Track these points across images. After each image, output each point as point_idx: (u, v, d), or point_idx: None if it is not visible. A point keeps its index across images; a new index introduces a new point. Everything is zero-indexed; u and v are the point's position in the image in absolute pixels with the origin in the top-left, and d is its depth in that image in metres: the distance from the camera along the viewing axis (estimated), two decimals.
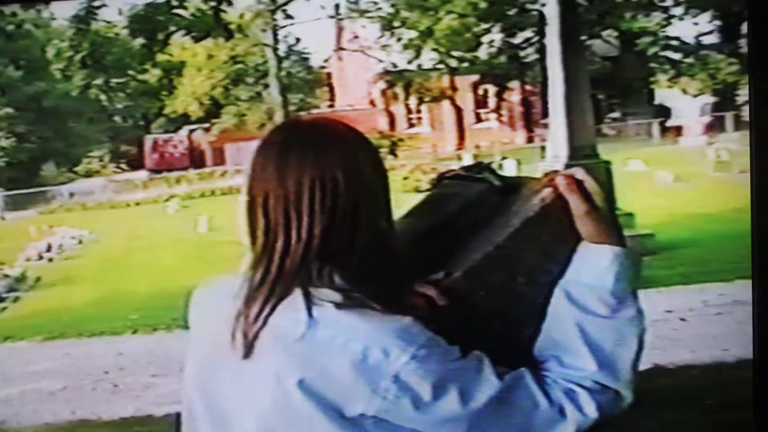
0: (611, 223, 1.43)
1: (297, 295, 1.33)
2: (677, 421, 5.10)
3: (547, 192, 1.41)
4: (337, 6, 34.72)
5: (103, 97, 38.02)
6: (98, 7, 28.99)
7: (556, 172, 1.46)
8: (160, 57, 35.45)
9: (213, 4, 28.04)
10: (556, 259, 1.40)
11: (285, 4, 33.59)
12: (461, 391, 1.29)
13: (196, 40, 34.62)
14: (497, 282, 1.40)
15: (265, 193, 1.37)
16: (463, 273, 1.40)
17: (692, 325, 7.90)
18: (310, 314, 1.30)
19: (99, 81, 36.85)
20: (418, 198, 1.62)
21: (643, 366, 4.73)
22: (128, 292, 12.61)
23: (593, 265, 1.39)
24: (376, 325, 1.28)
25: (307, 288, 1.33)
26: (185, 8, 30.96)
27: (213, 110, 35.99)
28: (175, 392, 5.56)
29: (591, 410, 1.37)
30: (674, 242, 12.37)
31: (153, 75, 36.89)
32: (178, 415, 1.62)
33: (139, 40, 33.56)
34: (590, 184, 1.42)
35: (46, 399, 7.00)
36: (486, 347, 1.35)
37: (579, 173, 1.43)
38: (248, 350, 1.33)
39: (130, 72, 37.01)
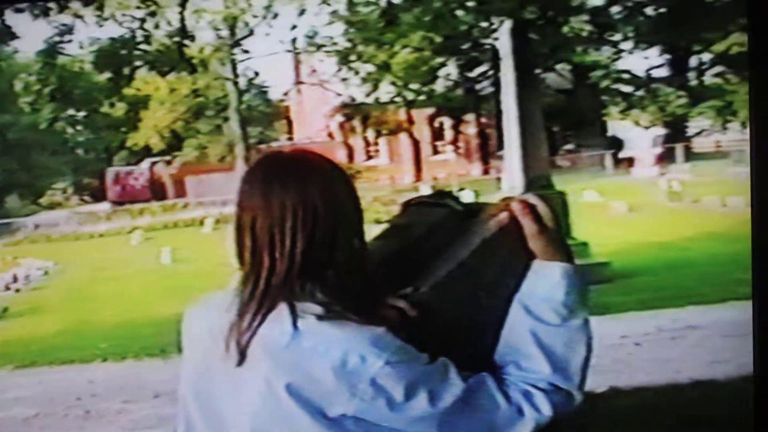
0: (561, 243, 1.61)
1: (283, 308, 1.47)
2: None
3: (503, 215, 1.58)
4: (293, 40, 35.13)
5: (70, 130, 38.05)
6: (65, 42, 29.15)
7: (511, 198, 1.63)
8: (127, 91, 35.65)
9: (176, 39, 28.26)
10: (513, 274, 1.57)
11: (243, 38, 33.90)
12: (430, 392, 1.44)
13: (162, 74, 34.86)
14: (460, 295, 1.56)
15: (252, 218, 1.52)
16: (430, 288, 1.56)
17: (647, 350, 8.12)
18: (295, 325, 1.45)
19: (66, 114, 36.98)
20: (387, 223, 1.78)
21: (600, 388, 4.94)
22: (95, 322, 12.68)
23: (546, 280, 1.55)
24: (353, 334, 1.44)
25: (292, 302, 1.48)
26: (150, 43, 31.21)
27: (174, 143, 36.07)
28: (147, 417, 5.65)
29: (546, 409, 1.53)
30: (629, 270, 12.65)
31: (119, 108, 36.97)
32: None
33: (106, 74, 33.84)
34: (542, 208, 1.59)
35: (20, 425, 7.06)
36: (451, 354, 1.50)
37: (531, 198, 1.61)
38: (241, 358, 1.48)
39: (97, 106, 37.18)
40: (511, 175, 12.25)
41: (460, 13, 21.62)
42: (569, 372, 1.56)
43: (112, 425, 6.85)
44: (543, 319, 1.55)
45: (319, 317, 1.46)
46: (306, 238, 1.49)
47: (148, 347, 9.76)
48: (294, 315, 1.47)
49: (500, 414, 1.50)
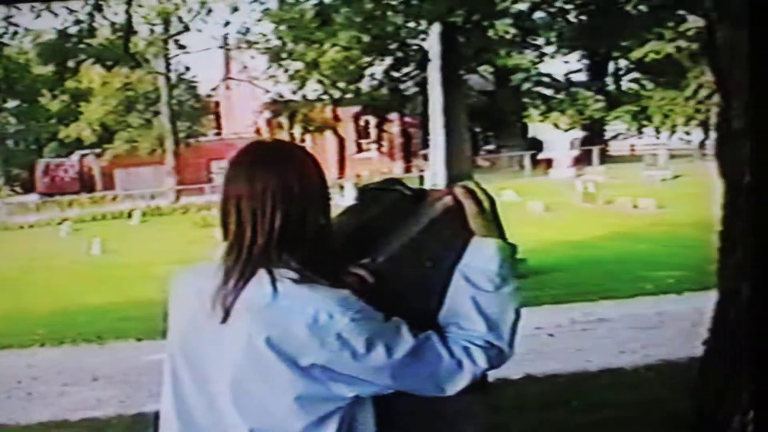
0: (496, 223, 1.92)
1: (262, 274, 1.76)
2: (547, 421, 5.66)
3: (448, 198, 1.89)
4: (225, 36, 35.10)
5: (12, 120, 37.38)
6: (13, 34, 28.63)
7: (457, 184, 1.94)
8: (69, 84, 35.30)
9: (120, 34, 27.99)
10: (455, 248, 1.88)
11: (177, 34, 33.70)
12: (386, 345, 1.74)
13: (107, 68, 34.51)
14: (411, 266, 1.87)
15: (237, 197, 1.79)
16: (385, 259, 1.86)
17: (560, 340, 8.59)
18: (274, 288, 1.73)
19: (10, 105, 36.41)
20: (349, 204, 2.08)
21: (515, 375, 5.32)
22: (31, 310, 12.75)
23: (483, 254, 1.87)
24: (323, 295, 1.73)
25: (270, 268, 1.76)
26: (94, 37, 30.82)
27: (106, 136, 35.79)
28: (87, 399, 5.84)
29: (482, 362, 1.84)
30: (544, 267, 13.17)
31: (60, 101, 36.57)
32: (156, 415, 1.97)
33: (50, 67, 33.41)
34: (479, 194, 1.91)
35: None
36: (403, 314, 1.81)
37: (471, 185, 1.91)
38: (225, 316, 1.75)
39: (38, 97, 36.71)
40: (434, 172, 12.63)
41: (390, 14, 22.00)
42: (502, 331, 1.87)
43: (53, 407, 6.99)
44: (480, 287, 1.85)
45: (295, 281, 1.73)
46: (282, 216, 1.77)
47: (84, 333, 9.94)
48: (273, 279, 1.74)
49: (443, 366, 1.80)
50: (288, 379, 1.72)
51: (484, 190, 1.93)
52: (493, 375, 5.79)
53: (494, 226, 1.90)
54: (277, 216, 1.77)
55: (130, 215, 27.50)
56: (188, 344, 1.85)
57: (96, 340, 9.51)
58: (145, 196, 31.08)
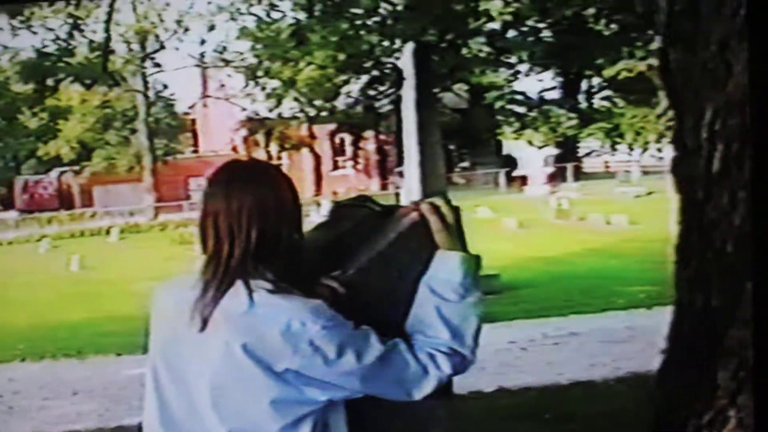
0: (459, 237, 2.03)
1: (239, 285, 1.86)
2: (518, 427, 5.78)
3: (415, 214, 2.00)
4: (202, 55, 35.18)
5: None
6: None
7: (420, 201, 2.05)
8: (49, 101, 35.31)
9: (98, 53, 28.04)
10: (421, 261, 2.00)
11: (154, 52, 33.76)
12: (356, 352, 1.85)
13: (86, 87, 34.54)
14: (379, 277, 1.99)
15: (215, 214, 1.90)
16: (355, 271, 1.98)
17: (532, 354, 8.73)
18: (250, 298, 1.84)
19: None
20: (322, 219, 2.19)
21: (488, 388, 5.43)
22: (11, 325, 12.77)
23: (447, 266, 1.98)
24: (297, 304, 1.84)
25: (247, 279, 1.86)
26: (73, 56, 30.90)
27: (84, 153, 35.79)
28: (67, 413, 5.89)
29: (447, 368, 1.95)
30: (517, 282, 13.34)
31: (38, 118, 36.56)
32: (139, 427, 2.07)
33: (30, 86, 33.50)
34: (444, 209, 2.02)
35: None
36: (371, 323, 1.92)
37: (436, 201, 2.03)
38: (203, 325, 1.86)
39: (17, 115, 36.67)
40: (409, 189, 12.73)
41: (365, 34, 22.26)
42: (465, 339, 1.98)
43: (34, 420, 7.08)
44: (444, 297, 1.96)
45: (270, 291, 1.84)
46: (258, 231, 1.88)
47: (64, 348, 10.04)
48: (249, 290, 1.84)
49: (410, 371, 1.91)
50: (264, 384, 1.82)
51: (449, 204, 2.05)
52: (465, 387, 5.92)
53: (458, 239, 2.02)
54: (253, 231, 1.88)
55: (108, 232, 27.61)
56: (169, 352, 1.95)
57: (76, 355, 9.61)
58: (124, 213, 31.12)
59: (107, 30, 25.96)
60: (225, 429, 1.85)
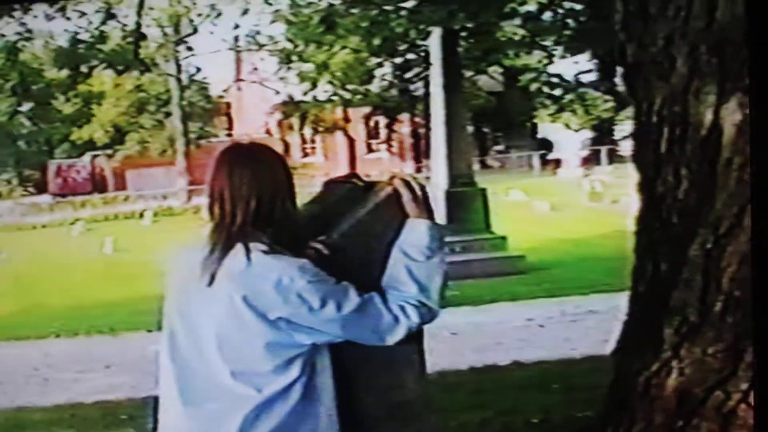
0: (427, 207, 2.39)
1: (239, 246, 2.23)
2: (532, 399, 6.10)
3: (389, 188, 2.36)
4: (236, 38, 35.63)
5: (27, 123, 38.17)
6: (27, 39, 29.40)
7: (395, 175, 2.41)
8: (82, 87, 35.99)
9: (130, 40, 28.59)
10: (394, 227, 2.35)
11: (188, 36, 34.25)
12: (336, 303, 2.21)
13: (118, 73, 35.17)
14: (358, 241, 2.35)
15: (221, 188, 2.28)
16: (338, 236, 2.34)
17: (549, 330, 9.04)
18: (248, 258, 2.21)
19: (25, 108, 37.21)
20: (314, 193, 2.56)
21: (503, 362, 5.82)
22: (46, 305, 13.22)
23: (415, 232, 2.34)
24: (286, 263, 2.20)
25: (246, 242, 2.23)
26: (105, 43, 31.52)
27: (117, 137, 36.40)
28: (99, 385, 6.35)
29: (415, 318, 2.30)
30: (543, 264, 13.58)
31: (72, 104, 37.31)
32: (155, 399, 2.41)
33: (65, 72, 34.28)
34: (414, 183, 2.38)
35: None
36: (351, 279, 2.27)
37: (406, 176, 2.39)
38: (211, 280, 2.23)
39: (52, 100, 37.43)
40: (436, 172, 13.09)
41: (394, 19, 22.31)
42: (431, 293, 2.33)
43: (69, 391, 7.42)
44: (413, 258, 2.30)
45: (265, 252, 2.20)
46: (256, 202, 2.25)
47: (97, 326, 10.43)
48: (247, 251, 2.21)
49: (383, 320, 2.27)
50: (260, 330, 2.19)
51: (417, 181, 2.42)
52: (482, 361, 6.36)
53: (425, 209, 2.38)
54: (252, 202, 2.25)
55: (141, 215, 27.86)
56: (182, 304, 2.33)
57: (108, 332, 10.00)
58: (157, 197, 31.40)
59: (139, 16, 26.42)
60: (227, 369, 2.22)
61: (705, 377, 2.62)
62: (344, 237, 2.34)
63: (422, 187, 2.41)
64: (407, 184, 2.38)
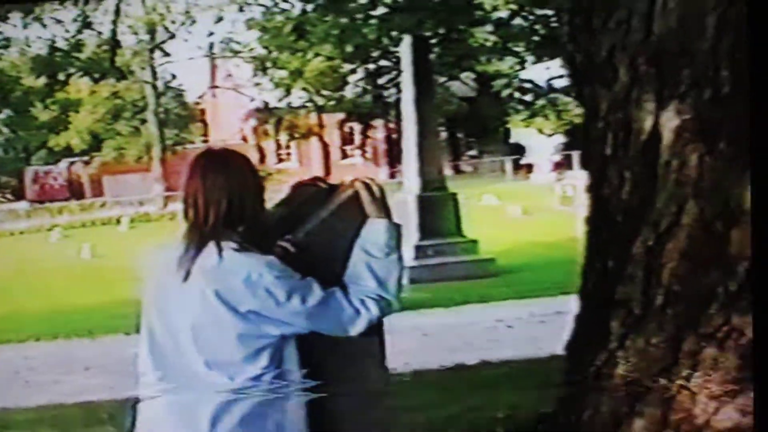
0: (385, 207, 2.57)
1: (212, 245, 2.40)
2: (499, 396, 6.27)
3: (350, 190, 2.54)
4: (211, 45, 35.70)
5: (5, 129, 38.07)
6: (4, 47, 29.39)
7: (356, 179, 2.59)
8: (59, 95, 35.97)
9: (106, 48, 28.60)
10: (354, 227, 2.53)
11: (163, 42, 34.28)
12: (301, 296, 2.38)
13: (94, 81, 35.16)
14: (322, 240, 2.52)
15: (194, 192, 2.45)
16: (303, 235, 2.52)
17: (517, 331, 9.23)
18: (220, 255, 2.38)
19: (3, 116, 37.14)
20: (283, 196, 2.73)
21: (471, 361, 6.01)
22: (25, 310, 13.20)
23: (374, 230, 2.52)
24: (255, 260, 2.38)
25: (218, 241, 2.40)
26: (81, 52, 31.50)
27: (94, 144, 36.41)
28: (80, 386, 6.44)
29: (375, 310, 2.48)
30: (513, 266, 13.77)
31: (50, 111, 37.28)
32: (135, 401, 2.56)
33: (42, 79, 34.30)
34: (373, 186, 2.56)
35: None
36: (315, 275, 2.45)
37: (367, 180, 2.57)
38: (186, 276, 2.40)
39: (30, 108, 37.40)
40: (408, 177, 13.27)
41: (364, 27, 22.60)
42: (389, 287, 2.51)
43: (50, 393, 7.51)
44: (373, 255, 2.50)
45: (235, 249, 2.37)
46: (227, 204, 2.42)
47: (76, 329, 10.48)
48: (219, 248, 2.37)
49: (345, 313, 2.45)
50: (231, 322, 2.36)
51: (376, 183, 2.59)
52: (452, 361, 6.51)
53: (384, 209, 2.56)
54: (223, 203, 2.43)
55: (118, 221, 27.90)
56: (159, 300, 2.50)
57: (88, 335, 10.04)
58: (134, 203, 31.40)
59: (114, 24, 26.52)
60: (202, 359, 2.39)
61: (649, 366, 2.81)
62: (309, 236, 2.52)
63: (381, 189, 2.58)
64: (367, 186, 2.55)
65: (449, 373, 7.27)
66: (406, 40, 13.35)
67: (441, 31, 19.55)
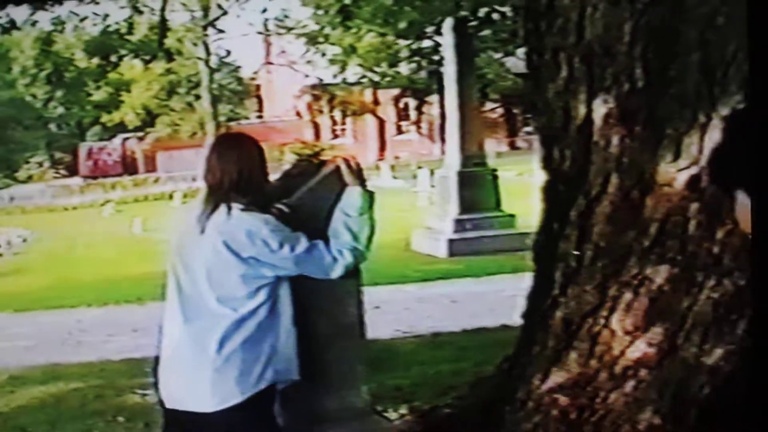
0: (360, 178, 3.23)
1: (223, 206, 3.08)
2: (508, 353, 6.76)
3: (334, 164, 3.22)
4: (265, 22, 36.31)
5: (61, 109, 39.30)
6: (59, 31, 30.56)
7: (338, 155, 3.27)
8: (112, 75, 37.04)
9: (157, 31, 29.52)
10: (335, 193, 3.20)
11: (216, 19, 35.03)
12: (291, 246, 3.04)
13: (144, 62, 36.13)
14: (310, 204, 3.20)
15: (213, 165, 3.11)
16: (296, 199, 3.20)
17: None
18: (229, 213, 3.06)
19: (59, 94, 38.45)
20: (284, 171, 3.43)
21: (492, 325, 6.45)
22: (77, 280, 13.78)
23: (352, 196, 3.17)
24: (256, 218, 3.04)
25: (228, 203, 3.09)
26: (133, 34, 32.51)
27: (148, 120, 37.34)
28: (127, 345, 7.23)
29: (349, 258, 3.12)
30: None
31: (103, 91, 38.34)
32: (156, 358, 3.13)
33: (95, 60, 35.54)
34: (352, 162, 3.23)
35: (23, 352, 8.27)
36: (304, 230, 3.12)
37: (347, 156, 3.24)
38: (202, 229, 3.09)
39: (84, 88, 38.51)
40: (449, 153, 13.83)
41: (408, 10, 22.75)
42: (361, 240, 3.17)
43: (99, 351, 8.08)
44: (349, 215, 3.18)
45: (241, 209, 3.05)
46: (237, 174, 3.10)
47: (126, 296, 11.09)
48: (229, 208, 3.04)
49: (325, 260, 3.10)
50: (235, 265, 3.02)
51: (354, 160, 3.27)
52: (473, 325, 6.93)
53: (360, 180, 3.23)
54: (234, 174, 3.10)
55: (171, 197, 27.86)
56: (182, 249, 3.19)
57: (136, 301, 10.57)
58: (187, 178, 31.41)
59: (164, 3, 27.23)
60: (214, 295, 3.03)
61: (581, 309, 3.43)
62: (300, 200, 3.19)
63: (358, 164, 3.26)
64: (347, 162, 3.23)
65: (467, 335, 7.58)
66: (448, 21, 13.87)
67: (475, 16, 19.84)
